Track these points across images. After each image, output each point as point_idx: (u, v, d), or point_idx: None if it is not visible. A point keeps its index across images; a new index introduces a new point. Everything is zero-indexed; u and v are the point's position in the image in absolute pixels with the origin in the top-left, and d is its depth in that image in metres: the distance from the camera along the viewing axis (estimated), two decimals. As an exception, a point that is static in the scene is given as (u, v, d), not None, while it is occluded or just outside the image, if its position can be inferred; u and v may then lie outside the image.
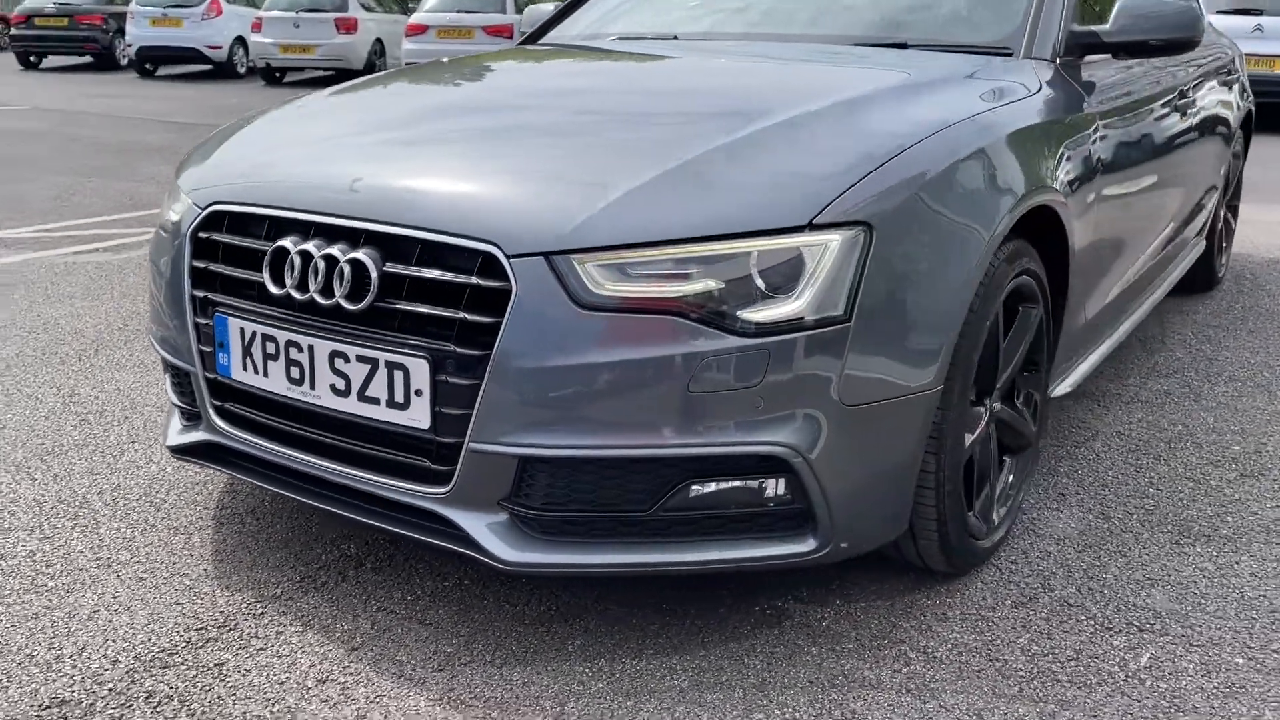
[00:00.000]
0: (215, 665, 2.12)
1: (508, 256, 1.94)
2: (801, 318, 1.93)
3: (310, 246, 2.12)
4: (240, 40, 17.71)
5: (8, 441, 3.17)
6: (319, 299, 2.10)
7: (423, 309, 2.02)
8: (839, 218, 1.97)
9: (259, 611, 2.30)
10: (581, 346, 1.91)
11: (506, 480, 2.00)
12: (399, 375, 2.03)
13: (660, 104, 2.58)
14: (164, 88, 16.25)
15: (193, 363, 2.37)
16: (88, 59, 20.04)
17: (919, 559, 2.34)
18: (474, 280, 1.97)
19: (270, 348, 2.20)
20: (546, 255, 1.94)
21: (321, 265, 2.10)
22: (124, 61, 19.24)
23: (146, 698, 2.02)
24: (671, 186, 2.03)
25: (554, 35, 3.72)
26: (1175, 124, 3.56)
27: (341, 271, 2.07)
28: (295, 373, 2.17)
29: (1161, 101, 3.42)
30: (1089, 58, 3.03)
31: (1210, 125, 4.13)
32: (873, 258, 1.98)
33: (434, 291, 2.02)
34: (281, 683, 2.07)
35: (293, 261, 2.14)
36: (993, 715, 1.99)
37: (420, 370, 2.01)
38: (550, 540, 2.03)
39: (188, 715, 1.97)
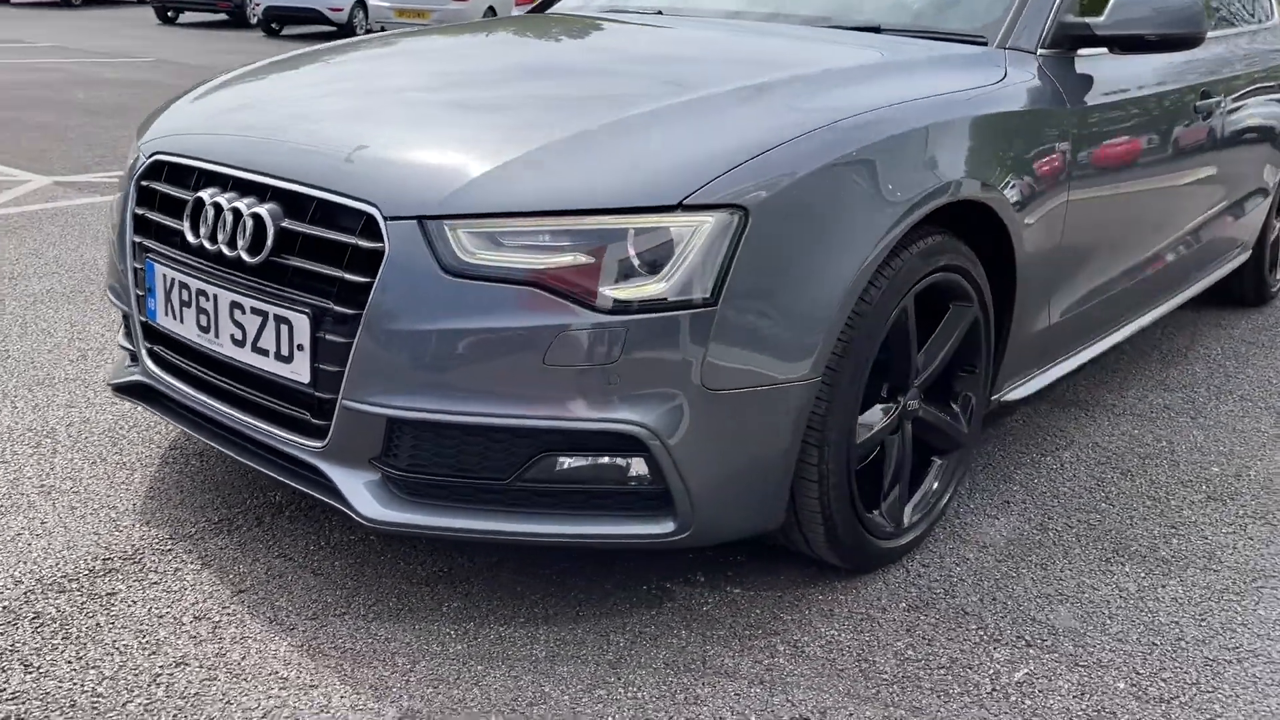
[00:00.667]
0: (107, 594, 2.22)
1: (385, 218, 1.98)
2: (664, 298, 1.92)
3: (223, 199, 2.19)
4: (361, 3, 18.18)
5: (7, 370, 3.36)
6: (225, 250, 2.17)
7: (310, 266, 2.07)
8: (712, 200, 1.95)
9: (167, 548, 2.40)
10: (445, 312, 1.93)
11: (377, 439, 2.05)
12: (285, 329, 2.09)
13: (584, 77, 2.58)
14: (286, 45, 16.77)
15: (130, 305, 2.48)
16: (222, 16, 20.83)
17: (810, 551, 2.30)
18: (354, 240, 2.01)
19: (185, 295, 2.28)
20: (420, 219, 1.96)
21: (229, 218, 2.17)
22: (253, 20, 19.95)
23: (33, 618, 2.13)
24: (554, 158, 2.03)
25: (560, 5, 3.73)
26: (1195, 124, 3.38)
27: (245, 225, 2.14)
28: (203, 320, 2.25)
29: (1177, 99, 3.25)
30: (1084, 51, 2.90)
31: (1255, 126, 3.91)
32: (746, 243, 1.95)
33: (322, 249, 2.07)
34: (160, 616, 2.16)
35: (208, 213, 2.21)
36: (838, 714, 1.96)
37: (302, 325, 2.06)
38: (414, 501, 2.06)
39: (64, 638, 2.08)
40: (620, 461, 1.99)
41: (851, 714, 1.97)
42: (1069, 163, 2.70)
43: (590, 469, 2.00)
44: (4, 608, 2.16)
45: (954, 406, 2.58)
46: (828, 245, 2.05)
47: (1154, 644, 2.22)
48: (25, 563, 2.32)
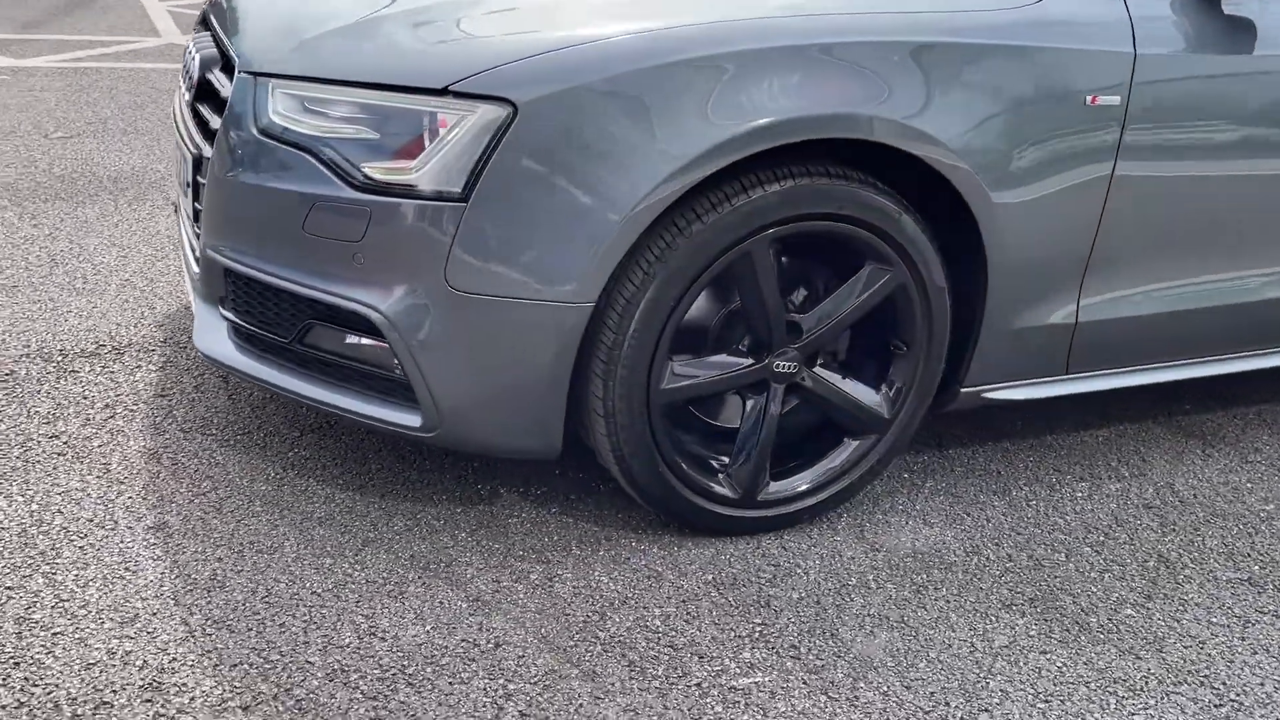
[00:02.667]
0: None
1: (237, 70, 2.09)
2: (415, 185, 1.86)
3: (195, 50, 2.42)
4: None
5: None
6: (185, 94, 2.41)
7: (206, 111, 2.24)
8: (480, 90, 1.84)
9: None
10: (249, 167, 2.02)
11: (221, 283, 2.19)
12: (186, 168, 2.29)
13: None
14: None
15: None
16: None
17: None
18: (225, 89, 2.14)
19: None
20: (254, 74, 2.05)
21: (194, 66, 2.38)
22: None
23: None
24: (362, 34, 2.03)
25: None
26: None
27: (192, 72, 2.35)
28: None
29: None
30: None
31: None
32: (508, 142, 1.83)
33: (217, 98, 2.23)
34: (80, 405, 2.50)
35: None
36: (513, 650, 1.85)
37: (189, 166, 2.25)
38: (238, 344, 2.19)
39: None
40: (367, 343, 1.98)
41: (524, 656, 1.85)
42: (1122, 130, 2.16)
43: (349, 346, 2.01)
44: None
45: (884, 387, 2.23)
46: (615, 160, 1.85)
47: (942, 702, 1.83)
48: None
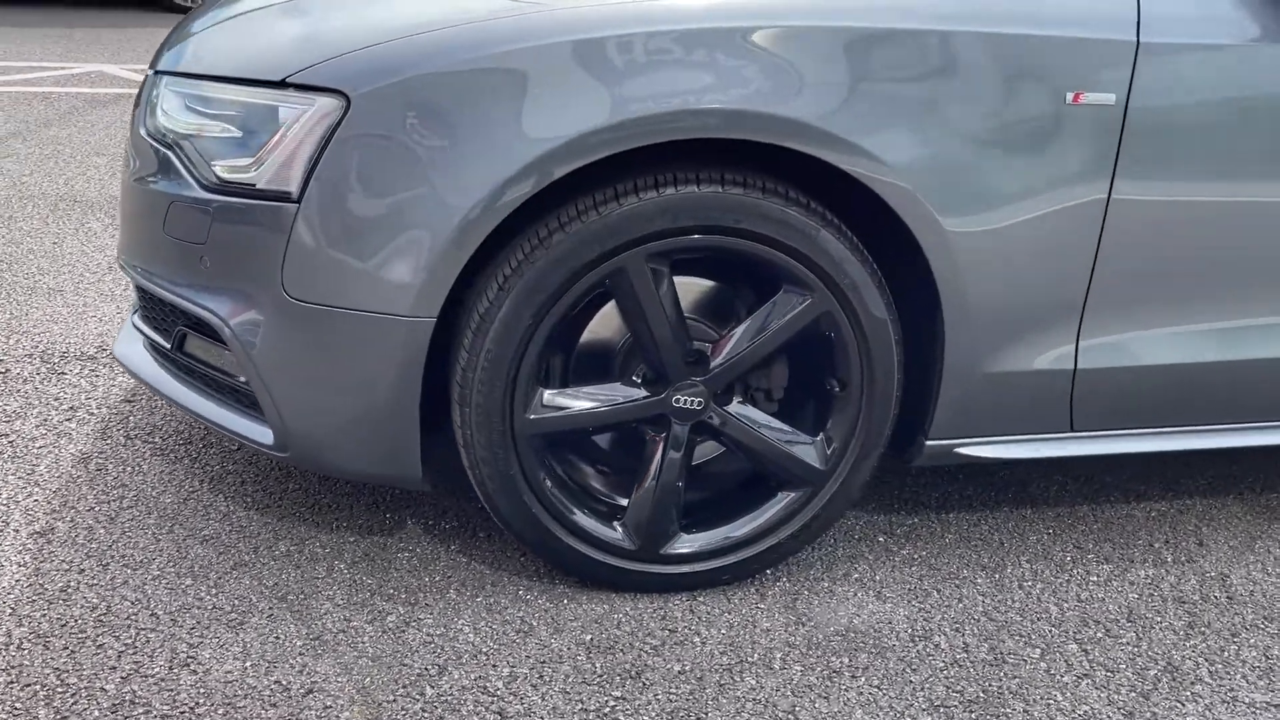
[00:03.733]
0: None
1: (151, 69, 2.04)
2: (253, 183, 1.73)
3: None
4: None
5: None
6: None
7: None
8: (316, 81, 1.69)
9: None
10: (138, 170, 1.95)
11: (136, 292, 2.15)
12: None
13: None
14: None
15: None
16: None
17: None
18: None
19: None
20: (155, 74, 1.99)
21: None
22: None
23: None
24: (240, 27, 1.93)
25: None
26: None
27: None
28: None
29: None
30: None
31: None
32: (341, 137, 1.66)
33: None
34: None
35: None
36: (325, 692, 1.68)
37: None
38: (151, 354, 2.13)
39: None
40: (221, 352, 1.86)
41: (330, 707, 1.66)
42: (1120, 141, 1.77)
43: (215, 354, 1.90)
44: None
45: (821, 434, 1.92)
46: (451, 159, 1.64)
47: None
48: None
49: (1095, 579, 2.07)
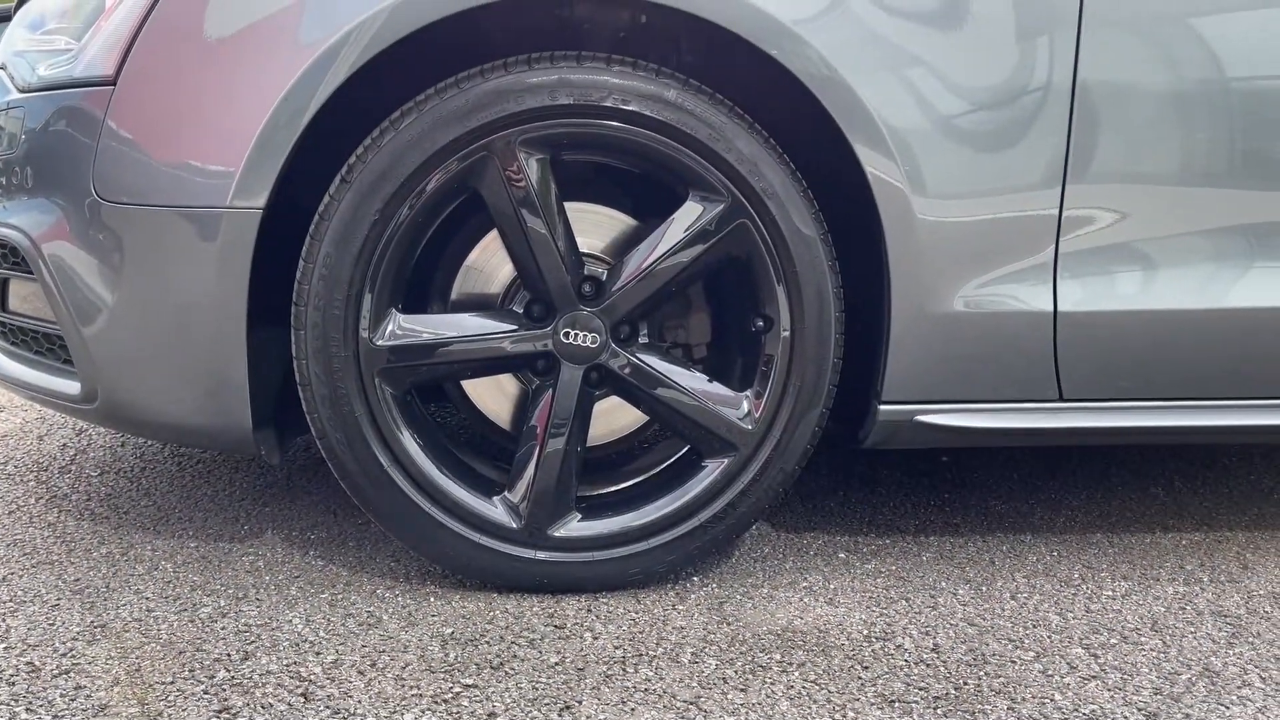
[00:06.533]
0: None
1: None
2: (69, 73, 1.51)
3: None
4: None
5: None
6: None
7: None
8: (146, -49, 1.48)
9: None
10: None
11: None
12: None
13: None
14: None
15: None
16: None
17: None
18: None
19: None
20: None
21: None
22: None
23: None
24: None
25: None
26: None
27: None
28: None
29: None
30: None
31: None
32: (163, 6, 1.44)
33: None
34: None
35: None
36: (88, 675, 1.29)
37: None
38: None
39: None
40: (33, 292, 1.58)
41: (88, 690, 1.27)
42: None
43: (28, 301, 1.62)
44: None
45: (749, 390, 1.57)
46: (277, 24, 1.41)
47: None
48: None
49: (1109, 594, 1.64)
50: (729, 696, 1.29)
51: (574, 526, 1.55)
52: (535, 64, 1.44)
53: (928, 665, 1.39)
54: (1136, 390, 1.65)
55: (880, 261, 1.53)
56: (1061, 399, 1.63)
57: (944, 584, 1.65)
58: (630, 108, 1.45)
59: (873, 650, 1.42)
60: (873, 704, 1.29)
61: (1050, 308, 1.56)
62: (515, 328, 1.52)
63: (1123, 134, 1.52)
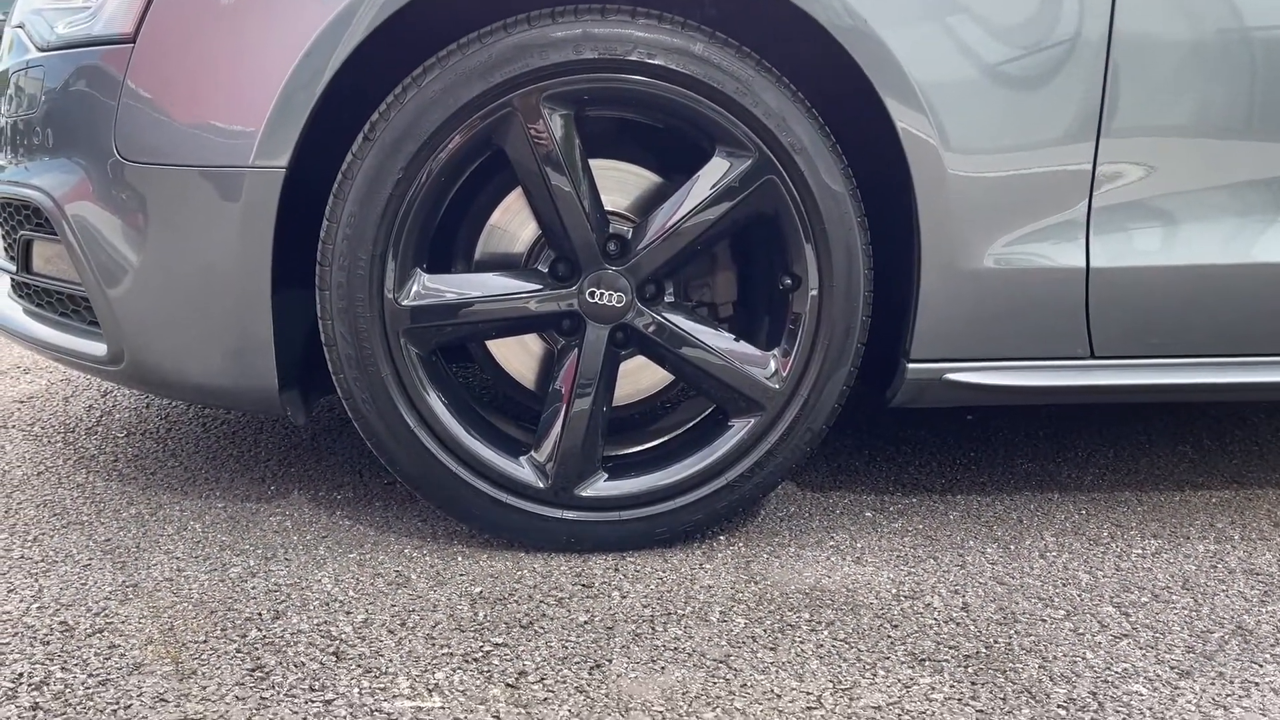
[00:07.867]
0: None
1: None
2: (89, 30, 1.49)
3: None
4: None
5: None
6: None
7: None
8: (158, -92, 1.46)
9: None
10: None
11: None
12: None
13: None
14: None
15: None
16: None
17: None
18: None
19: None
20: None
21: None
22: None
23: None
24: None
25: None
26: None
27: None
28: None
29: None
30: None
31: None
32: (181, -38, 1.43)
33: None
34: None
35: None
36: (123, 632, 1.30)
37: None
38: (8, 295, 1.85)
39: None
40: (58, 254, 1.57)
41: (122, 647, 1.28)
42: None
43: (53, 262, 1.62)
44: None
45: (776, 348, 1.56)
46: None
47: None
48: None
49: (1139, 552, 1.63)
50: (759, 655, 1.29)
51: (600, 486, 1.54)
52: (559, 18, 1.41)
53: (957, 624, 1.39)
54: (1168, 347, 1.63)
55: (910, 218, 1.51)
56: (1093, 356, 1.61)
57: (972, 543, 1.64)
58: (656, 62, 1.42)
59: (902, 609, 1.42)
60: (903, 662, 1.29)
61: (1083, 264, 1.54)
62: (540, 287, 1.50)
63: (1159, 86, 1.49)
